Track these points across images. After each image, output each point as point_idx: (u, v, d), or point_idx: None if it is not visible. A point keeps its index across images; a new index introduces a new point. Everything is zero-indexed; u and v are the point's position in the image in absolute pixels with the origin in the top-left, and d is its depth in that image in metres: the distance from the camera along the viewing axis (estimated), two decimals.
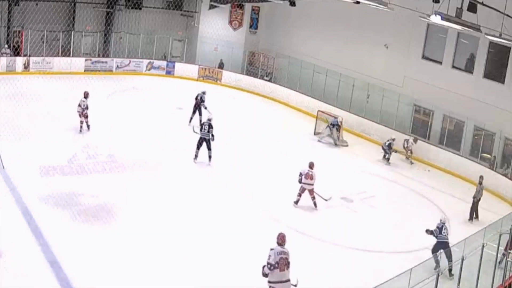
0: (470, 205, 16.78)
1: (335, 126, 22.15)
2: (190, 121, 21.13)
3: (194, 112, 21.37)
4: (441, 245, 12.38)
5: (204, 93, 21.41)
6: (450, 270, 11.17)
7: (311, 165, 15.46)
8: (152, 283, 10.73)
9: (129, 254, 11.51)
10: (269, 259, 9.40)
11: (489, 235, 11.39)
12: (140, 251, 11.69)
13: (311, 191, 15.41)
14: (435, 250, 12.45)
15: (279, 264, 9.41)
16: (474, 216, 16.73)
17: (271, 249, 9.51)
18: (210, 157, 17.55)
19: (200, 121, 20.47)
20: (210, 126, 17.53)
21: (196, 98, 21.49)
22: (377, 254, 13.55)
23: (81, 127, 18.71)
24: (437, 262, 12.00)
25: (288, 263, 9.61)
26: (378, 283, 8.33)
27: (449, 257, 11.84)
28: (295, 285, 9.70)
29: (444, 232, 12.67)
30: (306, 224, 14.44)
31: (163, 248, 12.01)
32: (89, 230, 12.41)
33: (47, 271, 10.44)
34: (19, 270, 10.25)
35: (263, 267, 9.40)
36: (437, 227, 12.82)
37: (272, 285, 9.46)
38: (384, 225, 15.38)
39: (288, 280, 9.54)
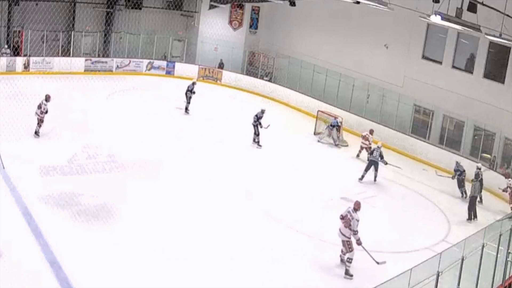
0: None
1: (335, 126, 22.13)
2: (186, 111, 23.04)
3: (189, 102, 23.08)
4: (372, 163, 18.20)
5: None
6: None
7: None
8: (152, 283, 10.72)
9: (129, 254, 11.51)
10: (343, 212, 12.25)
11: (489, 235, 11.37)
12: (140, 251, 11.69)
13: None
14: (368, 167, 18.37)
15: (343, 218, 12.15)
16: (473, 216, 16.66)
17: (348, 207, 12.34)
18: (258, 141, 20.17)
19: (186, 108, 23.03)
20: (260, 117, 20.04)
21: (188, 91, 23.00)
22: (377, 254, 13.53)
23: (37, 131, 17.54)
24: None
25: (350, 224, 11.96)
26: (378, 283, 8.32)
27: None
28: (378, 263, 12.00)
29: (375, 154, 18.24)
30: (306, 224, 14.43)
31: (163, 248, 12.01)
32: (89, 230, 12.40)
33: (47, 271, 10.44)
34: (19, 270, 10.25)
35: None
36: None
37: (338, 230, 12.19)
38: (384, 225, 15.37)
39: (344, 235, 12.11)
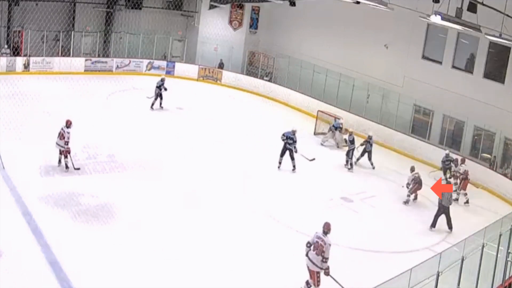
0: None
1: (338, 128, 22.10)
2: (152, 106, 22.96)
3: (156, 98, 23.03)
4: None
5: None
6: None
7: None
8: (152, 283, 10.72)
9: (129, 254, 11.51)
10: (310, 239, 10.65)
11: (489, 235, 11.37)
12: (140, 251, 11.69)
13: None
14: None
15: (314, 245, 10.42)
16: (448, 227, 15.36)
17: (316, 232, 10.61)
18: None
19: (160, 104, 23.02)
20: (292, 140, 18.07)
21: (157, 87, 23.00)
22: (377, 254, 13.55)
23: (62, 162, 15.31)
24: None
25: (323, 251, 10.28)
26: (378, 283, 8.32)
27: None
28: None
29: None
30: (306, 224, 14.39)
31: (163, 248, 12.01)
32: (89, 230, 12.41)
33: (47, 271, 10.44)
34: (19, 270, 10.25)
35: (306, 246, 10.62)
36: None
37: (306, 258, 10.54)
38: (384, 225, 15.37)
39: (315, 265, 10.35)
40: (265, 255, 12.48)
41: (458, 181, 18.05)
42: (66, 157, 15.24)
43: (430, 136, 23.15)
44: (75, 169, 15.32)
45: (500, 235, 11.49)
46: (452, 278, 10.02)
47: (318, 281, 10.44)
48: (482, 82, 21.53)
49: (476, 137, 21.78)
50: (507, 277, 11.78)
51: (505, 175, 19.76)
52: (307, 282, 10.71)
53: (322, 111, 23.88)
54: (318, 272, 10.43)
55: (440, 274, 9.22)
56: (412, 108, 23.75)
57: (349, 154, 19.65)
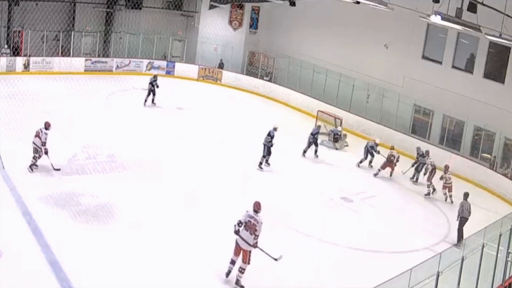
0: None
1: (336, 135, 22.06)
2: (145, 103, 23.24)
3: (148, 94, 23.30)
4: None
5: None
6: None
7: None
8: (152, 283, 10.72)
9: (129, 254, 11.50)
10: (241, 217, 10.79)
11: (489, 235, 11.38)
12: (140, 251, 11.69)
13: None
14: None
15: (246, 224, 10.66)
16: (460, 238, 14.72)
17: (246, 211, 10.83)
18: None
19: (153, 100, 23.27)
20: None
21: (150, 83, 23.34)
22: (377, 254, 13.55)
23: (35, 164, 14.94)
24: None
25: (255, 230, 10.60)
26: (378, 283, 8.32)
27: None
28: (276, 259, 10.73)
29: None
30: (306, 224, 14.44)
31: (163, 248, 12.00)
32: (89, 230, 12.40)
33: (47, 271, 10.43)
34: (19, 270, 10.24)
35: (234, 225, 10.78)
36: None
37: (237, 237, 10.73)
38: (384, 225, 15.38)
39: (248, 243, 10.61)
40: (265, 255, 12.45)
41: (428, 173, 18.39)
42: (40, 156, 14.81)
43: (430, 136, 23.16)
44: (54, 169, 15.02)
45: (500, 235, 11.50)
46: (452, 278, 10.02)
47: (249, 259, 10.77)
48: (482, 82, 21.54)
49: (476, 137, 21.79)
50: (507, 277, 11.79)
51: (505, 175, 19.77)
52: (232, 261, 10.97)
53: (322, 111, 23.87)
54: (250, 251, 10.75)
55: (440, 274, 9.22)
56: (412, 108, 23.77)
57: (418, 168, 19.44)
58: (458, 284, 10.12)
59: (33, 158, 14.86)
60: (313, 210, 15.52)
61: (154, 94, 23.29)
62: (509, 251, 11.86)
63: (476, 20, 15.97)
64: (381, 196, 17.55)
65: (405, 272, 8.70)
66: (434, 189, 18.14)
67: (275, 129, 18.25)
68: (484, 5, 15.29)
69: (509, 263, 11.82)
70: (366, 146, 20.12)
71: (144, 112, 22.39)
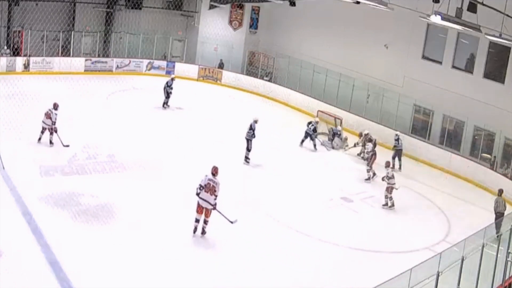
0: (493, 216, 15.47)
1: (336, 134, 22.08)
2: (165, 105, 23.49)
3: (167, 97, 23.45)
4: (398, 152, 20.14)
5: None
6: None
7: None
8: (152, 283, 10.72)
9: (129, 254, 11.50)
10: (201, 181, 12.46)
11: (489, 235, 11.38)
12: (140, 251, 11.69)
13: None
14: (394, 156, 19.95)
15: (206, 187, 12.36)
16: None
17: (205, 175, 12.48)
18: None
19: (166, 103, 23.37)
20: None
21: (167, 86, 23.44)
22: (377, 254, 13.55)
23: (42, 139, 16.91)
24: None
25: (215, 191, 12.39)
26: (378, 283, 8.32)
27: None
28: (232, 222, 12.54)
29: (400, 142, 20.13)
30: (306, 224, 14.44)
31: (163, 248, 12.00)
32: (89, 230, 12.40)
33: (47, 271, 10.43)
34: (19, 270, 10.24)
35: (196, 188, 12.37)
36: (394, 139, 20.21)
37: (198, 199, 12.45)
38: (384, 225, 15.38)
39: (209, 203, 12.41)
40: (265, 255, 12.48)
41: (368, 158, 19.03)
42: (52, 133, 16.60)
43: (430, 136, 23.15)
44: (64, 146, 16.52)
45: (500, 235, 11.50)
46: (452, 278, 10.02)
47: (209, 215, 12.64)
48: (482, 82, 21.53)
49: (476, 137, 21.78)
50: (507, 277, 11.78)
51: (505, 175, 19.76)
52: (196, 220, 12.63)
53: (322, 111, 23.88)
54: (211, 210, 12.54)
55: (440, 274, 9.22)
56: (412, 108, 23.76)
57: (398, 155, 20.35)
58: (458, 284, 10.12)
59: (41, 132, 16.69)
60: (313, 210, 15.51)
61: (168, 97, 23.38)
62: (509, 251, 11.86)
63: (476, 20, 15.97)
64: (381, 196, 17.52)
65: (405, 272, 8.70)
66: (374, 174, 18.56)
67: (255, 121, 18.51)
68: (484, 5, 15.29)
69: (509, 263, 11.81)
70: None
71: (144, 112, 22.38)
